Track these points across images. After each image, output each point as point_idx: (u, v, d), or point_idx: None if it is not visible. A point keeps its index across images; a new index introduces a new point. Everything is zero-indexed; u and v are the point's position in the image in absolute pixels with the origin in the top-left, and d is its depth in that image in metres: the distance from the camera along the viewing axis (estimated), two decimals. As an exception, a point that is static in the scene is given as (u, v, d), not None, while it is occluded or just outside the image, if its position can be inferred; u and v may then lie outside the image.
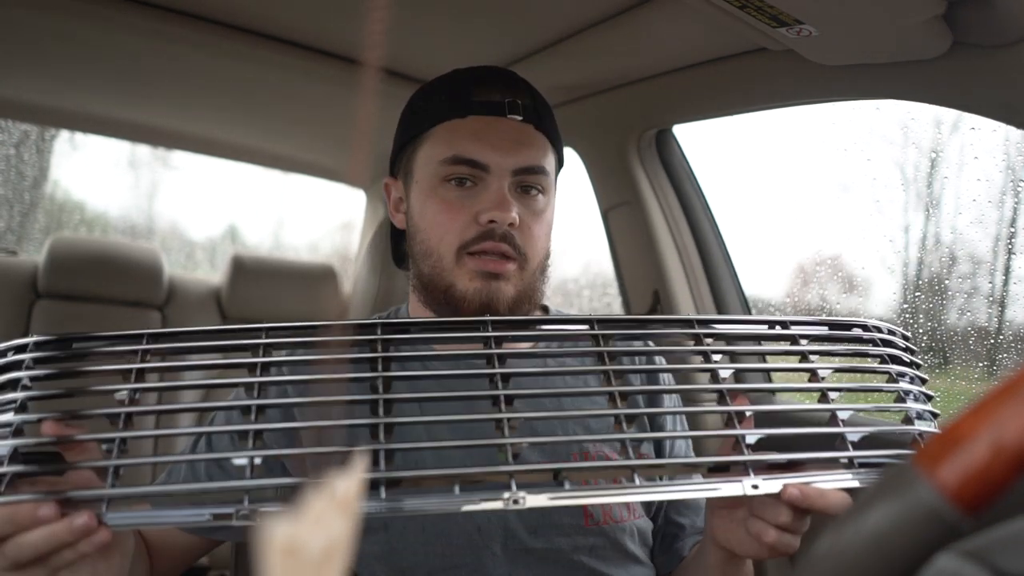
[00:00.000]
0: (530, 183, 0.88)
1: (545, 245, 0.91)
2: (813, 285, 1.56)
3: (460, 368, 0.67)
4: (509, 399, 0.61)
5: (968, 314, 1.34)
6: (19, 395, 0.59)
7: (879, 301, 1.52)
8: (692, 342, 0.69)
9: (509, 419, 0.60)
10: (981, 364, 1.32)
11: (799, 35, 0.97)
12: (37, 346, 0.62)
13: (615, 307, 2.09)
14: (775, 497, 0.62)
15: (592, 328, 0.68)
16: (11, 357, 0.62)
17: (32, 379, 0.61)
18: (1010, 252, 1.26)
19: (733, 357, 0.70)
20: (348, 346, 0.65)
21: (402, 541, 0.80)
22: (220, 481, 0.77)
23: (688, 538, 0.91)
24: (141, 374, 0.61)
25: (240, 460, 0.57)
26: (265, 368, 0.62)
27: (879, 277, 1.47)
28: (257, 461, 0.57)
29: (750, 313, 1.56)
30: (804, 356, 0.69)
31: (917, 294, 1.38)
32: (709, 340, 0.69)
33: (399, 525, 0.80)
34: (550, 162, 0.91)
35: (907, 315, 1.35)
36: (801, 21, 0.94)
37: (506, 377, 0.63)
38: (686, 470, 0.73)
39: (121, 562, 0.65)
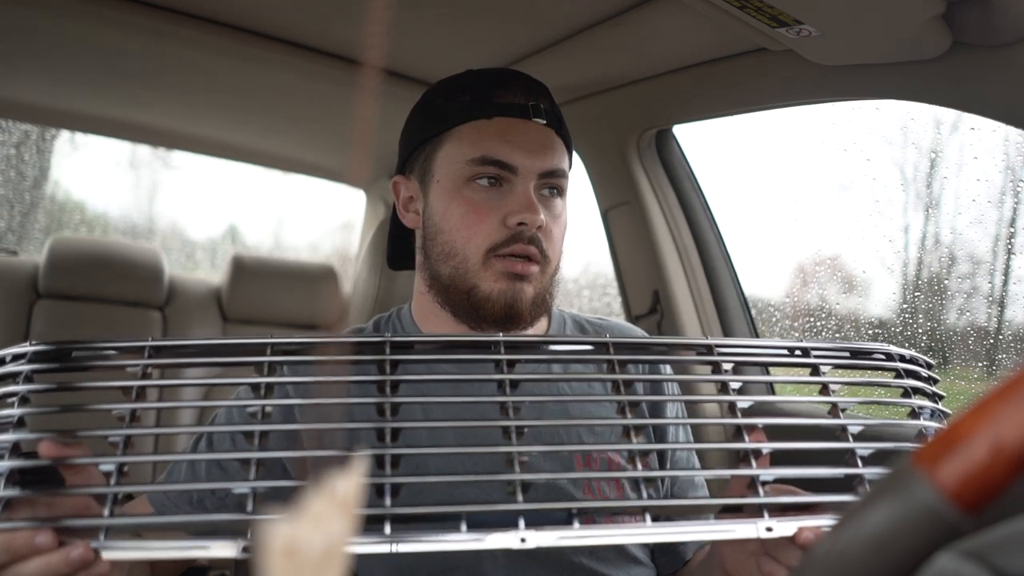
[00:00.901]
0: (553, 185, 0.89)
1: (562, 247, 0.91)
2: (813, 285, 1.56)
3: (470, 392, 0.64)
4: (520, 431, 0.59)
5: (968, 314, 1.34)
6: (16, 411, 0.57)
7: (879, 301, 1.52)
8: (709, 368, 0.66)
9: (519, 453, 0.58)
10: (981, 364, 1.32)
11: (799, 35, 0.97)
12: (36, 355, 0.59)
13: (615, 307, 2.09)
14: (789, 539, 0.59)
15: (608, 352, 0.65)
16: (9, 366, 0.59)
17: (30, 392, 0.58)
18: (1010, 252, 1.26)
19: (751, 384, 0.68)
20: (354, 364, 0.63)
21: (402, 541, 0.80)
22: (223, 495, 0.76)
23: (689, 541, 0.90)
24: (142, 390, 0.59)
25: (242, 489, 0.55)
26: (269, 388, 0.60)
27: (879, 277, 1.47)
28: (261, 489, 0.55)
29: (750, 312, 1.56)
30: (825, 387, 0.66)
31: (917, 294, 1.38)
32: (727, 367, 0.65)
33: None
34: (567, 165, 0.92)
35: (907, 315, 1.35)
36: (801, 21, 0.94)
37: (517, 406, 0.61)
38: (699, 510, 0.71)
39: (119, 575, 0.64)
